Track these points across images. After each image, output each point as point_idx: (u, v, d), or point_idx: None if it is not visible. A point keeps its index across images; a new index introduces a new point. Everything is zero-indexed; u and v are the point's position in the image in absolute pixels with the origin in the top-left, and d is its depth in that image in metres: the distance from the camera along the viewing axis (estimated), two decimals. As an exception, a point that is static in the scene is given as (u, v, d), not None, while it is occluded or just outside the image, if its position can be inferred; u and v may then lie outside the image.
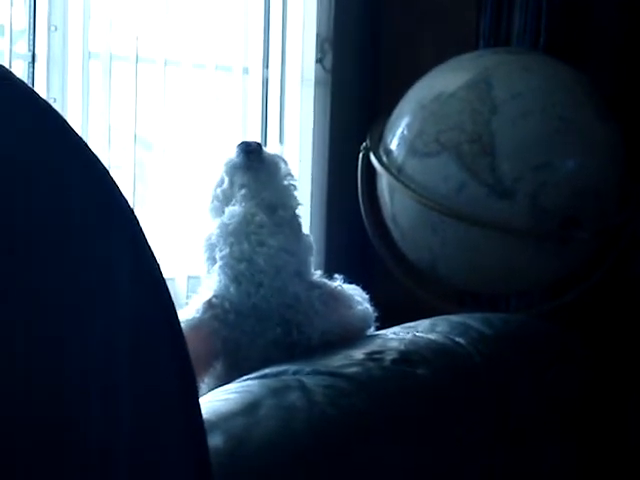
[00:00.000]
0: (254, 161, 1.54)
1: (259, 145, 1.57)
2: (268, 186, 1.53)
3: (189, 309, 1.47)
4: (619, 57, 2.63)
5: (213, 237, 1.51)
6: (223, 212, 1.52)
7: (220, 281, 1.48)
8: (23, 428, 0.76)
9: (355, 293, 1.55)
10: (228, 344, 1.46)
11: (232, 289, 1.47)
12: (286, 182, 1.56)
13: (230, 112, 2.51)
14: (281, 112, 2.62)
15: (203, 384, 1.43)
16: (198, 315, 1.46)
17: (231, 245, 1.48)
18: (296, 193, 1.57)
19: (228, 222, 1.50)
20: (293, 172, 1.60)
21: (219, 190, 1.55)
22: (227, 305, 1.47)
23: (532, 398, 1.44)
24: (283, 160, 1.58)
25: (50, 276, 0.78)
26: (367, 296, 1.56)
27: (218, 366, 1.47)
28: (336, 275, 1.56)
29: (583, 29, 2.60)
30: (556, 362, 1.51)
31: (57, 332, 0.78)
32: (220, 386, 1.25)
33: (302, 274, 1.51)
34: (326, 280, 1.54)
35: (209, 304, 1.47)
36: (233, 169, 1.55)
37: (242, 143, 1.57)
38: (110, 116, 2.20)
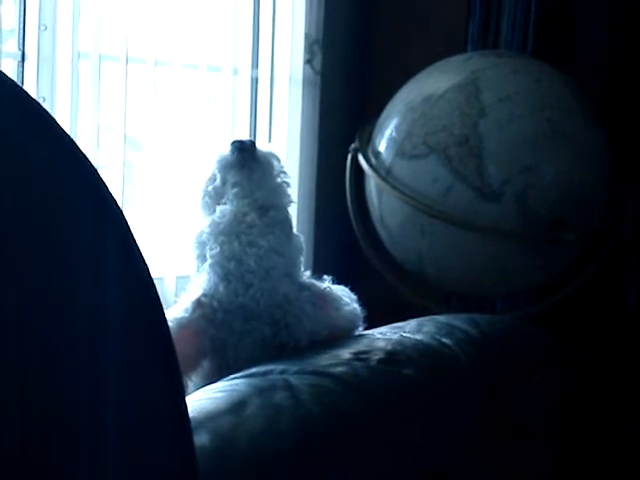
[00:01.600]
0: (247, 159, 1.54)
1: (253, 143, 1.56)
2: (261, 185, 1.52)
3: (178, 307, 1.47)
4: (606, 61, 2.64)
5: (204, 235, 1.51)
6: (214, 210, 1.52)
7: (209, 280, 1.48)
8: (10, 424, 0.76)
9: (344, 294, 1.55)
10: (216, 343, 1.47)
11: (221, 288, 1.47)
12: (279, 180, 1.56)
13: (219, 112, 2.51)
14: (270, 113, 2.62)
15: (190, 382, 1.43)
16: (187, 314, 1.46)
17: (222, 244, 1.48)
18: (289, 190, 1.57)
19: (219, 221, 1.50)
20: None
21: (211, 187, 1.55)
22: (215, 304, 1.47)
23: (518, 399, 1.45)
24: (276, 157, 1.58)
25: (38, 275, 0.78)
26: (355, 297, 1.56)
27: (206, 365, 1.47)
28: (325, 276, 1.56)
29: (570, 33, 2.61)
30: (543, 364, 1.51)
31: (44, 330, 0.78)
32: (208, 384, 1.25)
33: (292, 275, 1.51)
34: (315, 281, 1.54)
35: (198, 303, 1.47)
36: (226, 167, 1.54)
37: (236, 141, 1.56)
38: (99, 116, 2.20)
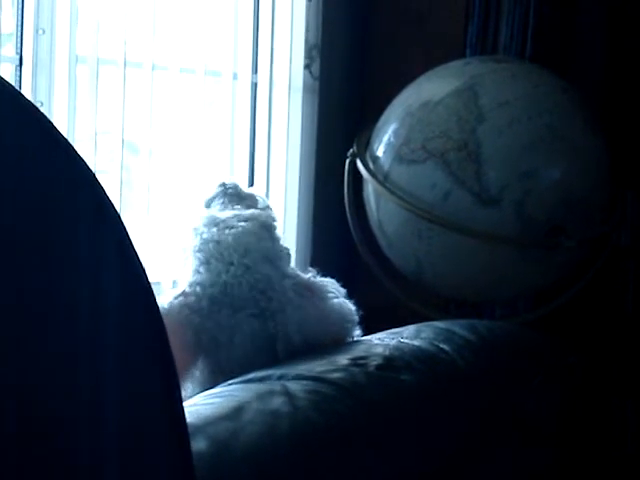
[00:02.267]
0: (230, 188, 1.65)
1: (236, 184, 1.67)
2: (242, 205, 1.61)
3: (161, 299, 1.49)
4: (604, 66, 2.64)
5: (187, 239, 1.57)
6: None
7: (192, 270, 1.52)
8: (10, 423, 0.76)
9: (329, 285, 1.56)
10: (203, 338, 1.47)
11: (202, 270, 1.50)
12: (264, 213, 1.60)
13: (218, 117, 2.51)
14: (269, 118, 2.62)
15: (183, 388, 1.42)
16: (168, 301, 1.48)
17: (201, 234, 1.54)
18: (275, 223, 1.60)
19: (199, 221, 1.56)
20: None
21: (198, 219, 1.62)
22: (199, 290, 1.49)
23: (517, 404, 1.45)
24: (261, 197, 1.67)
25: (37, 276, 0.78)
26: (344, 290, 1.57)
27: (200, 370, 1.47)
28: (310, 268, 1.58)
29: (569, 38, 2.61)
30: (541, 369, 1.51)
31: (44, 330, 0.78)
32: (204, 391, 1.25)
33: (274, 262, 1.52)
34: (299, 272, 1.56)
35: (181, 293, 1.50)
36: (211, 201, 1.64)
37: (221, 182, 1.68)
38: (97, 120, 2.20)
